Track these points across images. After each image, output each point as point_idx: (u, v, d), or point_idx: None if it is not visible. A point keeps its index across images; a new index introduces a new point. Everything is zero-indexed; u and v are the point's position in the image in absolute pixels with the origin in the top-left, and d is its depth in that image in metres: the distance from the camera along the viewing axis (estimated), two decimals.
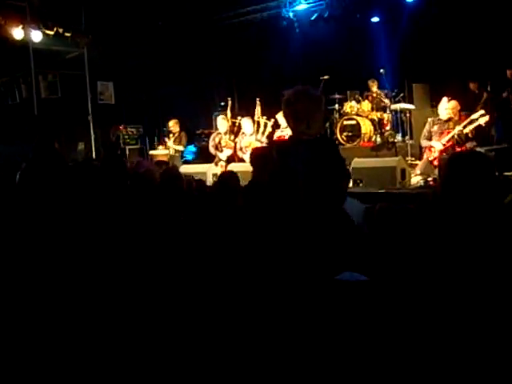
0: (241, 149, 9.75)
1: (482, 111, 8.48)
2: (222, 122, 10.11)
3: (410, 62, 11.92)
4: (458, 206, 2.25)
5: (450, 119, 8.44)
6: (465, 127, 8.28)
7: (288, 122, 3.41)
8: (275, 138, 9.56)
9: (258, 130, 9.85)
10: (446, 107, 8.51)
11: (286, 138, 8.56)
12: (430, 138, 8.58)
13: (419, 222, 3.43)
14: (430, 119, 8.85)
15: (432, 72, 11.70)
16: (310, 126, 3.21)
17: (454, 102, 8.72)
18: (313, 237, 3.00)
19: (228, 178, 4.46)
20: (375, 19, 12.24)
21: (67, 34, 11.60)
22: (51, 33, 11.36)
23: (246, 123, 9.81)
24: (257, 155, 4.24)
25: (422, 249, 2.29)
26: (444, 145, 8.29)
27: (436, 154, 8.31)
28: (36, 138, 5.15)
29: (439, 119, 8.59)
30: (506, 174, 7.37)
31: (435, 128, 8.55)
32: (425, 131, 8.74)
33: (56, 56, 11.97)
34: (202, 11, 13.12)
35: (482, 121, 8.29)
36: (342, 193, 3.31)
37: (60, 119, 11.47)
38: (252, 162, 4.33)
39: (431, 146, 8.44)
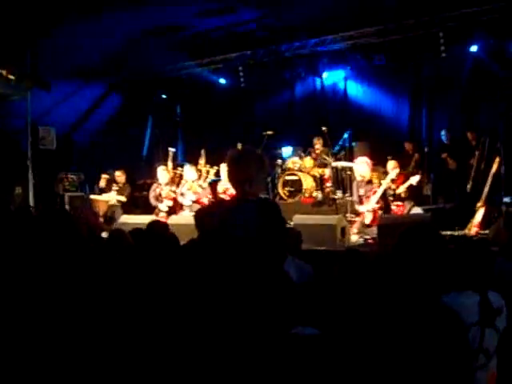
0: (182, 194, 9.82)
1: (417, 177, 8.83)
2: (163, 173, 10.09)
3: (352, 120, 12.33)
4: (407, 276, 2.30)
5: (370, 180, 8.75)
6: (394, 187, 8.60)
7: (231, 181, 3.46)
8: (220, 190, 9.63)
9: (199, 177, 10.00)
10: (365, 170, 8.79)
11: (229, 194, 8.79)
12: (360, 201, 8.88)
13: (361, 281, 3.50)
14: (354, 183, 9.17)
15: (372, 131, 12.11)
16: (251, 186, 3.28)
17: (392, 162, 9.05)
18: (252, 295, 3.00)
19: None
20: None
21: (11, 77, 11.41)
22: None
23: (188, 170, 9.99)
24: (201, 216, 4.23)
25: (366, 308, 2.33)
26: (374, 208, 8.56)
27: (370, 218, 8.55)
28: None
29: (362, 181, 8.89)
30: (442, 232, 7.64)
31: (361, 192, 8.88)
32: (355, 198, 9.07)
33: None
34: (148, 63, 13.19)
35: (414, 180, 8.63)
36: (282, 254, 3.35)
37: None
38: (196, 223, 4.32)
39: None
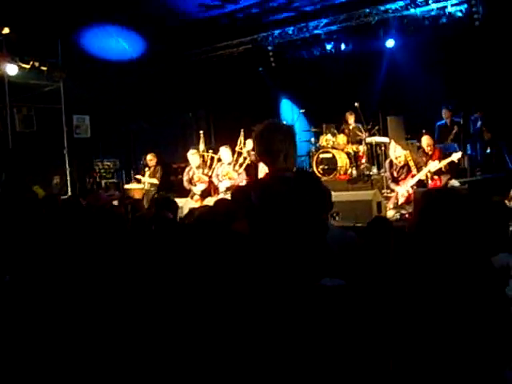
0: (217, 175, 9.66)
1: (459, 154, 8.64)
2: (193, 157, 9.99)
3: (384, 95, 12.14)
4: (433, 242, 2.27)
5: (406, 164, 8.58)
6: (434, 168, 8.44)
7: (263, 158, 3.24)
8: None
9: (237, 161, 9.73)
10: (399, 153, 8.65)
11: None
12: (394, 180, 8.76)
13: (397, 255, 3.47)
14: (386, 164, 9.04)
15: (405, 105, 11.91)
16: (286, 160, 3.08)
17: (427, 138, 8.88)
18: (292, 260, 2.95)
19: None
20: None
21: (43, 68, 11.57)
22: (27, 66, 11.32)
23: (224, 152, 9.69)
24: (237, 195, 4.12)
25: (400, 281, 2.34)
26: (408, 191, 8.44)
27: (403, 198, 8.44)
28: (5, 172, 5.08)
29: (394, 164, 8.74)
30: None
31: (395, 173, 8.73)
32: (388, 175, 8.94)
33: (32, 89, 11.89)
34: (181, 46, 13.23)
35: (455, 157, 8.46)
36: (324, 225, 3.26)
37: (35, 153, 11.43)
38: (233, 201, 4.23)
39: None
